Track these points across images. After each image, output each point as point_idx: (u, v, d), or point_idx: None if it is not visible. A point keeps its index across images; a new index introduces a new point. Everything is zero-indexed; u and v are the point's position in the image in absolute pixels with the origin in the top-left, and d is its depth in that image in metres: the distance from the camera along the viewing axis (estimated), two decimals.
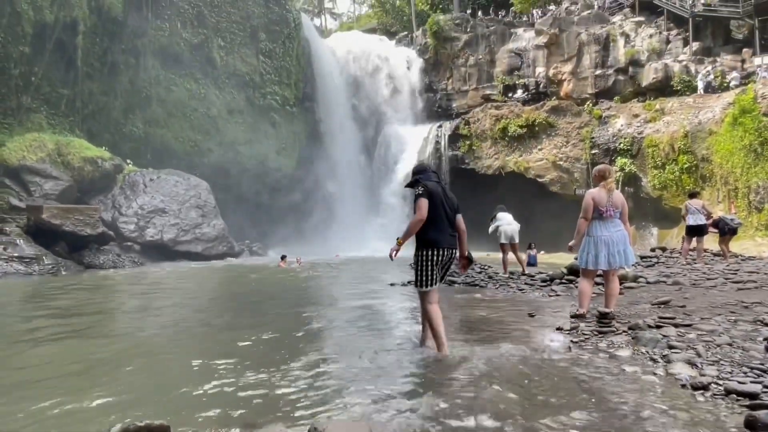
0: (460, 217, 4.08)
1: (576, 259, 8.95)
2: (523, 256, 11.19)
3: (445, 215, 3.89)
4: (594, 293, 6.72)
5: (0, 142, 16.51)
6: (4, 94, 17.28)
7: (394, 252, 3.94)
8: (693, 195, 10.97)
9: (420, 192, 3.81)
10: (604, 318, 4.72)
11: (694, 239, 10.37)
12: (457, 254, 4.06)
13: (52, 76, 18.58)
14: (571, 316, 5.20)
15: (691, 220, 10.20)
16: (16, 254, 13.28)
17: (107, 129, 21.17)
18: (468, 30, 28.35)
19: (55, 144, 17.60)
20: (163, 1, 22.33)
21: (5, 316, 6.81)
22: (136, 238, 18.05)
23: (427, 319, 3.93)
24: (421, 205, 3.76)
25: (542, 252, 14.16)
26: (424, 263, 3.82)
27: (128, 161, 20.47)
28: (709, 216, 10.59)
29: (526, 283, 8.43)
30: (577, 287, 7.61)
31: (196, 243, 19.43)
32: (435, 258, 3.81)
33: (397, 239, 3.90)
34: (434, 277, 3.84)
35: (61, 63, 18.73)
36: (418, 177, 4.00)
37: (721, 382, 3.00)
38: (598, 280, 6.13)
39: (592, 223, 4.95)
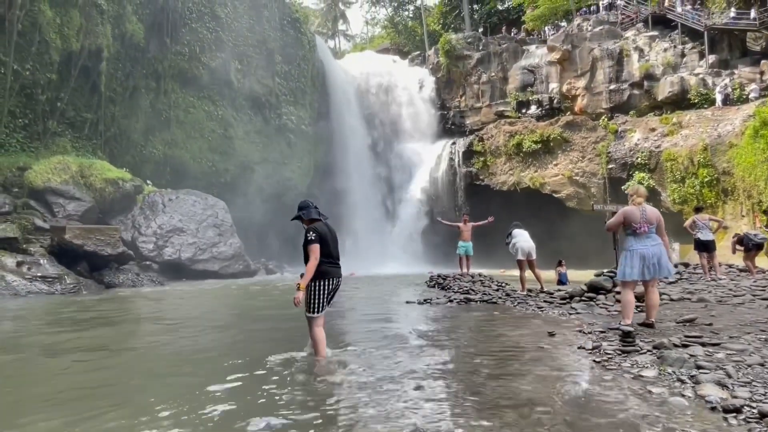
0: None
1: (603, 274, 8.85)
2: (545, 274, 10.95)
3: (333, 249, 4.52)
4: (613, 312, 6.56)
5: (27, 165, 17.05)
6: (31, 119, 17.94)
7: (299, 296, 4.29)
8: (699, 209, 10.73)
9: (312, 239, 4.34)
10: (626, 337, 4.60)
11: (705, 255, 10.13)
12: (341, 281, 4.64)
13: (76, 101, 19.24)
14: (618, 328, 5.10)
15: (701, 236, 9.98)
16: (39, 274, 13.57)
17: (128, 151, 21.74)
18: (480, 48, 28.63)
19: (78, 166, 18.11)
20: (183, 27, 23.09)
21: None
22: (155, 257, 18.31)
23: (312, 339, 4.49)
24: (314, 250, 4.33)
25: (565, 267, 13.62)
26: (317, 292, 4.39)
27: (148, 182, 20.91)
28: (722, 228, 10.41)
29: (545, 301, 8.27)
30: (597, 305, 7.48)
31: (213, 262, 19.63)
32: (326, 287, 4.43)
33: (298, 285, 4.30)
34: (323, 304, 4.44)
35: (86, 88, 19.41)
36: (302, 213, 4.56)
37: (754, 404, 2.88)
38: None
39: (628, 238, 5.37)
